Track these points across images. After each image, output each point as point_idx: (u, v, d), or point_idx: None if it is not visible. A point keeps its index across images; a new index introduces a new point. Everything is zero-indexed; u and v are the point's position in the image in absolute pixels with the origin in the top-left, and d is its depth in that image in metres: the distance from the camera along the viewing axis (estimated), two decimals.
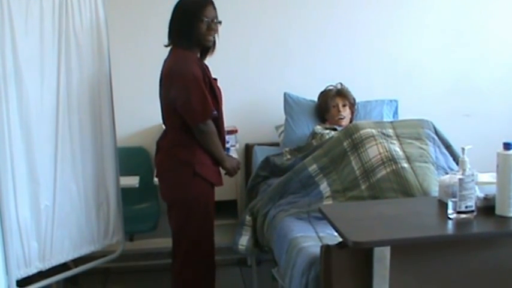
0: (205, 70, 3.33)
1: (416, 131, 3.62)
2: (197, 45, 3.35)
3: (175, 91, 3.24)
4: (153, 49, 4.24)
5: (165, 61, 3.38)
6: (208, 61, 3.43)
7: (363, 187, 3.35)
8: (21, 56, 3.27)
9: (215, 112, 3.30)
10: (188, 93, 3.22)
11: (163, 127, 3.48)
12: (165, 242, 4.14)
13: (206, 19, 3.28)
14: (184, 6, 3.33)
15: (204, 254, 3.45)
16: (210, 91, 3.32)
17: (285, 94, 4.40)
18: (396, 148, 3.44)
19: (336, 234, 2.52)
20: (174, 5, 3.34)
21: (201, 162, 3.35)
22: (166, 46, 3.37)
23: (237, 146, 4.38)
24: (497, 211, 2.53)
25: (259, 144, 4.47)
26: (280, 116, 4.39)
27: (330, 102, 4.19)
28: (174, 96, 3.25)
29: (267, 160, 3.92)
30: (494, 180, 2.55)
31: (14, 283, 3.27)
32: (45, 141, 3.44)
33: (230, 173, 3.51)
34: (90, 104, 3.65)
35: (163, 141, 3.45)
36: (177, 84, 3.24)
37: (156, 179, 3.74)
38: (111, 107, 3.75)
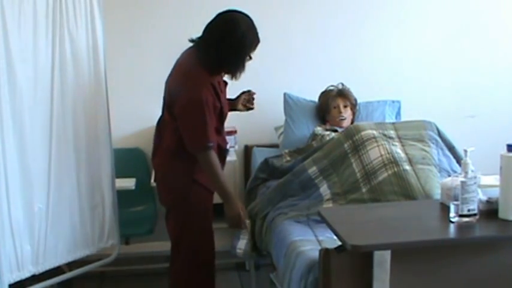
0: (218, 94, 3.24)
1: (418, 132, 3.60)
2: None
3: (178, 109, 3.16)
4: (150, 48, 4.32)
5: (177, 64, 3.30)
6: None
7: (363, 190, 3.33)
8: (14, 54, 3.21)
9: (211, 144, 3.18)
10: (188, 122, 3.15)
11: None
12: (162, 246, 4.10)
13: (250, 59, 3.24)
14: (242, 38, 3.16)
15: (204, 261, 3.41)
16: (219, 113, 3.27)
17: (284, 94, 4.36)
18: (398, 150, 3.42)
19: (335, 237, 2.49)
20: (226, 21, 3.19)
21: (200, 170, 3.28)
22: (190, 41, 3.28)
23: (236, 147, 4.38)
24: (500, 214, 2.53)
25: (258, 146, 4.45)
26: (279, 117, 4.35)
27: (331, 103, 4.14)
28: (177, 114, 3.17)
29: (266, 162, 3.88)
30: (498, 183, 2.53)
31: (7, 287, 3.21)
32: (39, 142, 3.40)
33: (230, 222, 3.36)
34: (85, 104, 3.61)
35: (162, 143, 3.37)
36: (180, 108, 3.15)
37: (153, 181, 3.70)
38: (107, 107, 3.71)
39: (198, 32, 3.23)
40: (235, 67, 3.21)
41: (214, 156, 3.20)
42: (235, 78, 3.25)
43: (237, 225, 3.36)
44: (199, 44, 3.23)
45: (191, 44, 3.28)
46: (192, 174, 3.27)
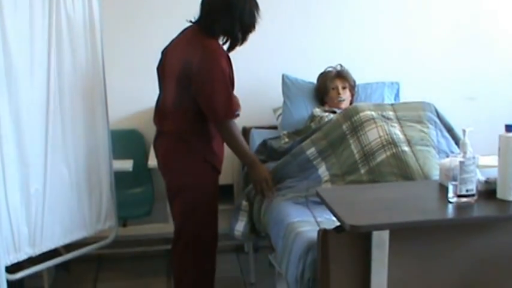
0: (231, 63, 3.27)
1: (417, 113, 3.57)
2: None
3: (199, 84, 3.16)
4: (148, 29, 4.29)
5: (180, 40, 3.29)
6: None
7: (362, 171, 3.31)
8: (10, 34, 3.20)
9: (238, 112, 3.28)
10: (213, 91, 3.16)
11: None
12: (159, 228, 4.10)
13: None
14: (250, 17, 3.24)
15: (206, 243, 3.42)
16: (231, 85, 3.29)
17: (283, 76, 4.33)
18: (397, 131, 3.40)
19: (334, 219, 2.48)
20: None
21: (213, 151, 3.32)
22: (191, 23, 3.28)
23: None
24: (499, 195, 2.52)
25: (256, 127, 4.42)
26: (278, 98, 4.32)
27: (330, 84, 4.12)
28: (197, 89, 3.17)
29: (264, 143, 3.87)
30: (496, 163, 2.52)
31: (3, 269, 3.22)
32: (36, 124, 3.39)
33: (257, 186, 3.41)
34: (81, 86, 3.59)
35: (167, 126, 3.34)
36: (203, 78, 3.15)
37: (151, 163, 3.69)
38: (104, 88, 3.70)
39: (198, 9, 3.23)
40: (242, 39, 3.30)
41: (236, 124, 3.31)
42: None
43: (265, 189, 3.38)
44: (202, 23, 3.23)
45: (188, 24, 3.28)
46: (203, 155, 3.29)
